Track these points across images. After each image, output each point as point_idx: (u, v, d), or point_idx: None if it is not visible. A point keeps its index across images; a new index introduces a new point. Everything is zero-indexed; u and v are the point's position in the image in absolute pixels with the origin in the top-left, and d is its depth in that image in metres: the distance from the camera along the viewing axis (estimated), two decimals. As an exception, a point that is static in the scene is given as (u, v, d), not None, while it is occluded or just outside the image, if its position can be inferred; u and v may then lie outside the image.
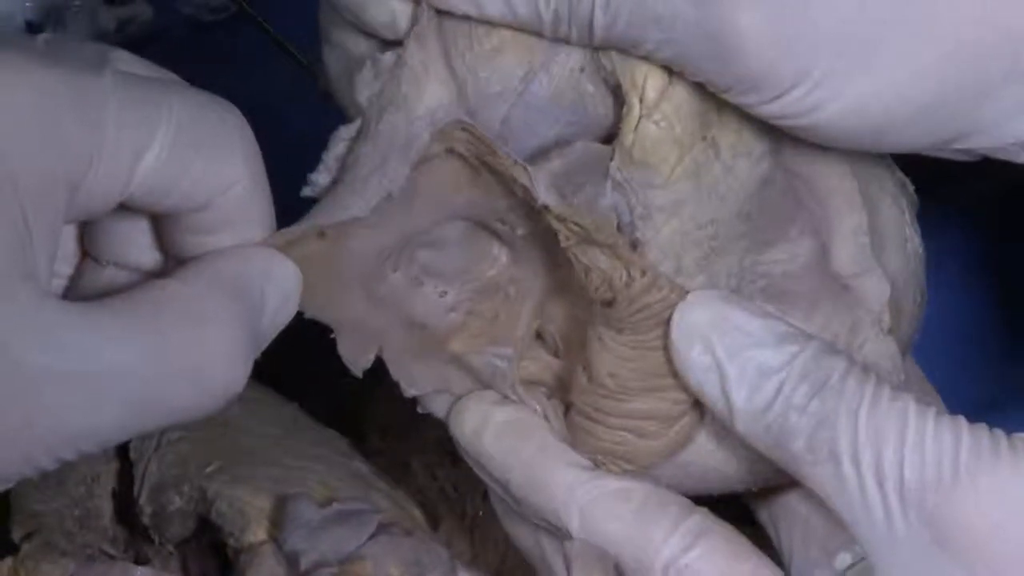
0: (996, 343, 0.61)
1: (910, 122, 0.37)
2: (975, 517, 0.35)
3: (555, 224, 0.39)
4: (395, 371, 0.42)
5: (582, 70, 0.39)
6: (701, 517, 0.39)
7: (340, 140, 0.40)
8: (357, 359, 0.41)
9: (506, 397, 0.42)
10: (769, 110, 0.37)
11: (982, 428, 0.36)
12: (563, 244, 0.39)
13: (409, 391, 0.42)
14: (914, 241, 0.44)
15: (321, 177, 0.40)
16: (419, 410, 0.43)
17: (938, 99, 0.37)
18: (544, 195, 0.38)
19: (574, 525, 0.40)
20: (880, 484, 0.36)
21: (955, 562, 0.35)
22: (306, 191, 0.40)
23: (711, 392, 0.39)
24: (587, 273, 0.39)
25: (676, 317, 0.39)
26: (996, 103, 0.37)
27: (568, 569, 0.39)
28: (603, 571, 0.39)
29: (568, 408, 0.42)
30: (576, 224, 0.38)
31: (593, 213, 0.39)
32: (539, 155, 0.39)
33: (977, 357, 0.61)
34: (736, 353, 0.38)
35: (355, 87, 0.39)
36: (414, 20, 0.39)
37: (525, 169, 0.38)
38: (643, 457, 0.41)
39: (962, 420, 0.37)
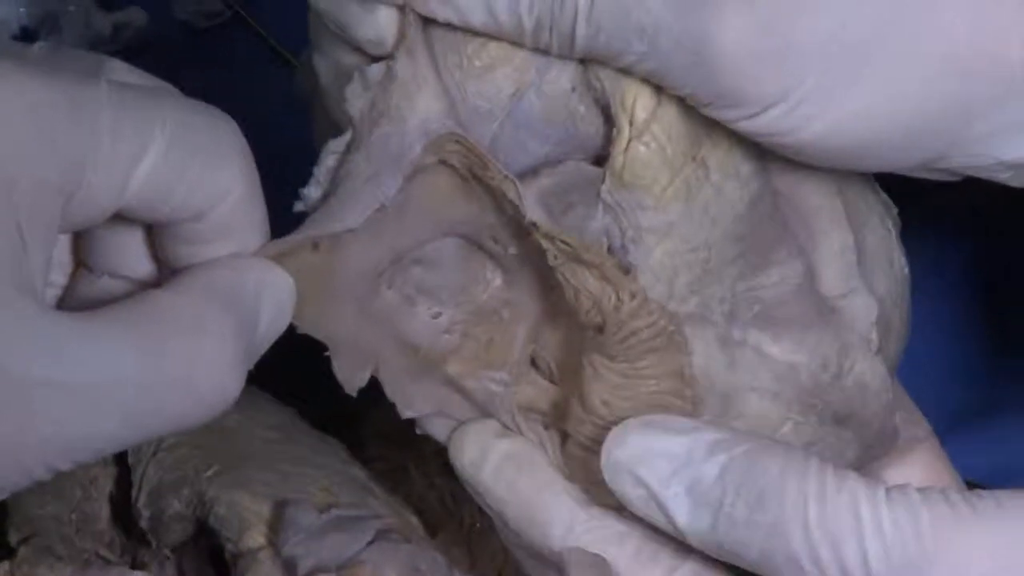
0: (981, 353, 0.61)
1: (895, 141, 0.37)
2: None
3: (543, 242, 0.38)
4: (391, 392, 0.42)
5: (573, 90, 0.39)
6: (693, 563, 0.39)
7: (330, 153, 0.40)
8: (352, 378, 0.41)
9: (504, 424, 0.42)
10: (751, 126, 0.37)
11: (936, 495, 0.36)
12: (551, 263, 0.38)
13: (406, 412, 0.42)
14: (900, 261, 0.44)
15: (312, 191, 0.40)
16: (417, 431, 0.43)
17: (923, 118, 0.37)
18: (532, 211, 0.38)
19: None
20: None
21: None
22: (298, 206, 0.40)
23: (658, 520, 0.38)
24: (576, 295, 0.39)
25: (603, 455, 0.38)
26: (982, 123, 0.37)
27: (564, 576, 0.39)
28: (599, 580, 0.39)
29: (565, 438, 0.41)
30: (564, 243, 0.38)
31: (583, 236, 0.38)
32: (529, 173, 0.39)
33: (963, 365, 0.61)
34: (667, 479, 0.38)
35: (345, 99, 0.39)
36: (402, 32, 0.38)
37: (514, 184, 0.38)
38: None
39: (913, 492, 0.36)
